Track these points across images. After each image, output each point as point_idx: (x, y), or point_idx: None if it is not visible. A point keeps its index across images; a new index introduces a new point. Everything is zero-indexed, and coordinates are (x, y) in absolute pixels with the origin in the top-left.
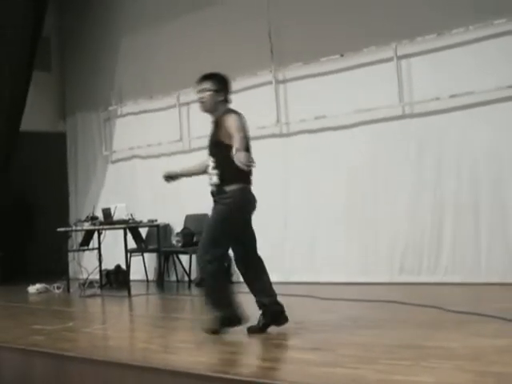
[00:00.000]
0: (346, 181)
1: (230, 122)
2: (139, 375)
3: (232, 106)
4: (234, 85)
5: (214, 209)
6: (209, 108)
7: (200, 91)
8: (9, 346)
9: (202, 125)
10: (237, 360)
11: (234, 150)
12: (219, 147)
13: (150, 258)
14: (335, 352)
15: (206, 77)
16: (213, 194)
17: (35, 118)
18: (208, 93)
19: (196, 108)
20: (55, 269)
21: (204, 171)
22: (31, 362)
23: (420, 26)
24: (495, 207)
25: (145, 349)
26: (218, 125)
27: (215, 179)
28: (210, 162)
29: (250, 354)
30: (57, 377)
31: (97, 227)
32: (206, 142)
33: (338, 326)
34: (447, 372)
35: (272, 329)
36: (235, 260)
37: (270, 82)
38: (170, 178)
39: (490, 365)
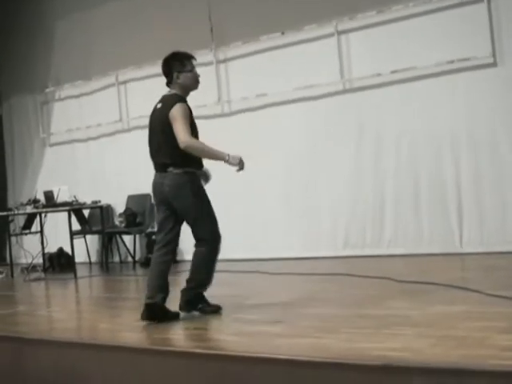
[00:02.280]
0: (287, 157)
1: None
2: (106, 355)
3: None
4: None
5: None
6: None
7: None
8: None
9: (141, 104)
10: (202, 335)
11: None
12: None
13: (92, 240)
14: (296, 324)
15: None
16: None
17: None
18: None
19: (135, 87)
20: None
21: None
22: None
23: (360, 3)
24: (435, 180)
25: (105, 329)
26: None
27: None
28: None
29: (214, 330)
30: (15, 360)
31: (40, 210)
32: (145, 120)
33: (293, 300)
34: (410, 338)
35: (229, 305)
36: None
37: (211, 62)
38: None
39: (448, 330)
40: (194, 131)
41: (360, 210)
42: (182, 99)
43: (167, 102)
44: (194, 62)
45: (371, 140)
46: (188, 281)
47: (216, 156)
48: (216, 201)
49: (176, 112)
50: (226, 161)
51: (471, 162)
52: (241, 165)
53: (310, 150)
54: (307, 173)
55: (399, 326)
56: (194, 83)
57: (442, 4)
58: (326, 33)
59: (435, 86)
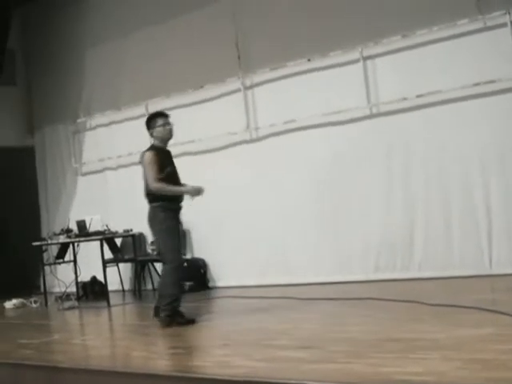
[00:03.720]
0: (317, 182)
1: None
2: (140, 382)
3: (201, 114)
4: (203, 92)
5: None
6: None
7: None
8: None
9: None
10: (230, 362)
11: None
12: None
13: (125, 268)
14: (324, 349)
15: None
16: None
17: (2, 133)
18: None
19: None
20: (27, 283)
21: None
22: (22, 377)
23: (385, 29)
24: (464, 202)
25: (139, 356)
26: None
27: None
28: None
29: (242, 356)
30: None
31: (73, 240)
32: (177, 149)
33: (321, 325)
34: (435, 362)
35: (257, 331)
36: None
37: (239, 89)
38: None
39: (475, 353)
40: (162, 171)
41: (390, 234)
42: (152, 148)
43: (142, 152)
44: (168, 119)
45: (399, 164)
46: None
47: (176, 193)
48: (244, 226)
49: (144, 160)
50: (187, 193)
51: (500, 184)
52: (198, 193)
53: (338, 175)
54: (336, 198)
55: (426, 349)
56: (166, 134)
57: (466, 28)
58: (352, 58)
59: (462, 109)
